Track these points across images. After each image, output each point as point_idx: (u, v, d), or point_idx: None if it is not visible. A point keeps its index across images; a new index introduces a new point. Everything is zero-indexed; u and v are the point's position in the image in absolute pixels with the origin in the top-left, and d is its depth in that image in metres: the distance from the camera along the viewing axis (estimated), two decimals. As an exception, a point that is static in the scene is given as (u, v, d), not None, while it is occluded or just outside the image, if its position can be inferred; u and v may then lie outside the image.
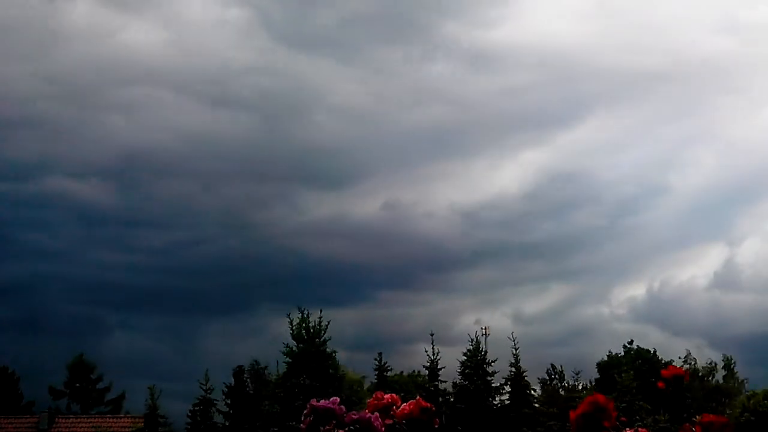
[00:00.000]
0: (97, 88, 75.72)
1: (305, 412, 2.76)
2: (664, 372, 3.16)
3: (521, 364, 35.14)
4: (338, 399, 2.78)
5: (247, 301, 74.87)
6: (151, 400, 33.73)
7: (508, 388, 35.09)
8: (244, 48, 77.30)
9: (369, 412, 2.81)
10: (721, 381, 54.59)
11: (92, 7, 76.92)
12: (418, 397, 2.99)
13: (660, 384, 3.15)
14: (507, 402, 34.68)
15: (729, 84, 79.37)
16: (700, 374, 53.60)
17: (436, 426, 2.94)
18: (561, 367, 46.86)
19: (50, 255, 70.49)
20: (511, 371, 35.04)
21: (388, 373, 37.11)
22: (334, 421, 2.73)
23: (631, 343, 55.07)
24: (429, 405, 2.88)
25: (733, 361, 54.97)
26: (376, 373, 36.36)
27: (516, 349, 34.90)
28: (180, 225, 74.21)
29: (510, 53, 77.55)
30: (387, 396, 2.90)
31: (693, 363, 54.36)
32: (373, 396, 2.93)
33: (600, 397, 2.77)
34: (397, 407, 2.91)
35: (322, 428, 2.73)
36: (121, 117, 76.65)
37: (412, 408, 2.86)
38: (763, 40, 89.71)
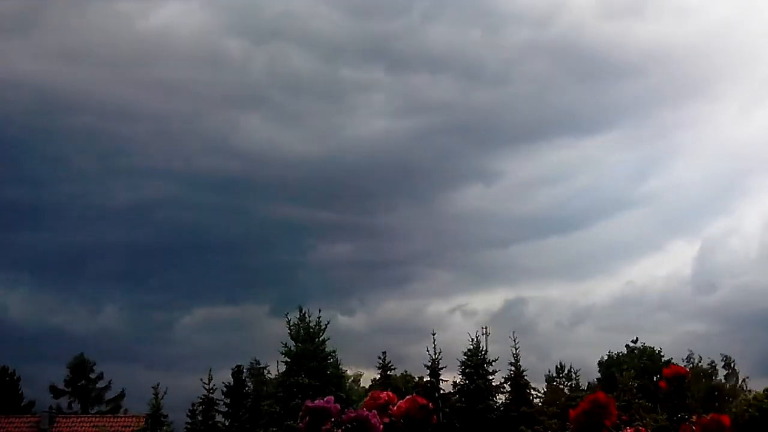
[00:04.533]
0: None
1: (301, 413, 2.75)
2: (665, 371, 3.12)
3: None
4: (333, 398, 2.76)
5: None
6: (155, 399, 33.64)
7: (507, 387, 35.12)
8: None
9: (366, 410, 2.78)
10: (722, 380, 54.58)
11: None
12: (414, 394, 2.97)
13: (662, 383, 3.11)
14: (508, 401, 34.66)
15: None
16: (704, 374, 53.59)
17: (434, 422, 2.92)
18: (570, 365, 47.05)
19: None
20: (510, 371, 35.03)
21: (391, 372, 37.14)
22: (332, 420, 2.71)
23: (635, 341, 54.84)
24: (426, 402, 2.85)
25: (732, 360, 54.89)
26: (380, 371, 36.35)
27: (516, 348, 34.88)
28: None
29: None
30: (384, 395, 2.87)
31: (697, 362, 54.31)
32: (369, 396, 2.91)
33: (601, 395, 2.73)
34: (394, 405, 2.88)
35: (320, 428, 2.71)
36: None
37: (409, 405, 2.83)
38: None
